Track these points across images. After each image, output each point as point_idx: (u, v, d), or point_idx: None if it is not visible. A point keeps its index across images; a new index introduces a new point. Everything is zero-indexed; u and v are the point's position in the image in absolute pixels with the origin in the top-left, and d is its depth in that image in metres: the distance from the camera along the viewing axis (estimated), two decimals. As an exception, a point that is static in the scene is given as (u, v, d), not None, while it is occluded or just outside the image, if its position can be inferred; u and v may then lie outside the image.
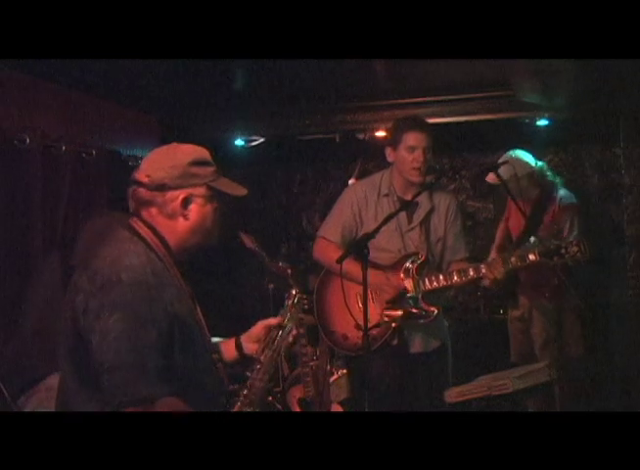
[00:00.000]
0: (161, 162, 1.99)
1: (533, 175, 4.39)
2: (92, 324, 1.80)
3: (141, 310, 1.81)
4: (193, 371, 1.94)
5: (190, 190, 1.99)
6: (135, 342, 1.78)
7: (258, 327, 2.26)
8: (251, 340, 2.25)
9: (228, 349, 2.25)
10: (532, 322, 4.55)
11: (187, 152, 2.03)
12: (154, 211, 1.99)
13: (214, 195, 2.05)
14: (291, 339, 2.25)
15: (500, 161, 4.13)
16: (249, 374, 2.17)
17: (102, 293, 1.81)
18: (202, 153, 2.06)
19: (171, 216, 1.99)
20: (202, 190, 2.02)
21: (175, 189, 1.97)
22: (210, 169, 2.04)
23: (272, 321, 2.20)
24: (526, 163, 4.39)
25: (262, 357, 2.20)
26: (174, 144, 2.07)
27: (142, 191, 1.98)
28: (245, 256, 5.74)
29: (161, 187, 1.96)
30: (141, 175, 1.98)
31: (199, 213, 2.02)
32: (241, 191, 2.10)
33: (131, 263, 1.85)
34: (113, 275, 1.82)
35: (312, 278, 3.83)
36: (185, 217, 2.00)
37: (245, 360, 2.23)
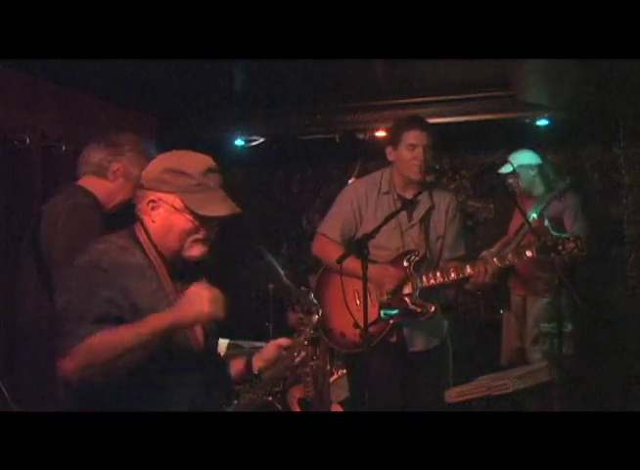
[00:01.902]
0: (151, 163, 2.08)
1: (543, 170, 4.61)
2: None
3: (86, 290, 1.89)
4: (171, 367, 1.94)
5: (159, 194, 2.00)
6: (77, 311, 1.87)
7: (270, 347, 2.24)
8: (261, 359, 2.23)
9: (237, 365, 2.24)
10: (525, 319, 4.58)
11: (172, 159, 2.04)
12: (138, 206, 2.05)
13: (192, 210, 1.98)
14: (297, 360, 2.24)
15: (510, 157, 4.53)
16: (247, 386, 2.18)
17: (62, 276, 1.97)
18: (186, 163, 2.00)
19: (145, 215, 2.03)
20: (171, 198, 1.98)
21: (147, 190, 2.02)
22: (188, 181, 1.97)
23: (282, 342, 2.20)
24: (536, 157, 4.61)
25: (265, 374, 2.20)
26: (181, 151, 2.07)
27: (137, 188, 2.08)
28: (244, 256, 5.77)
29: (140, 185, 2.04)
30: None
31: (164, 220, 2.00)
32: (218, 211, 1.99)
33: (94, 247, 1.96)
34: (79, 259, 1.94)
35: (313, 278, 3.83)
36: (152, 219, 2.02)
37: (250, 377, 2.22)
